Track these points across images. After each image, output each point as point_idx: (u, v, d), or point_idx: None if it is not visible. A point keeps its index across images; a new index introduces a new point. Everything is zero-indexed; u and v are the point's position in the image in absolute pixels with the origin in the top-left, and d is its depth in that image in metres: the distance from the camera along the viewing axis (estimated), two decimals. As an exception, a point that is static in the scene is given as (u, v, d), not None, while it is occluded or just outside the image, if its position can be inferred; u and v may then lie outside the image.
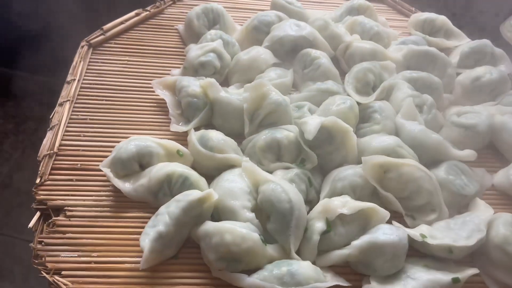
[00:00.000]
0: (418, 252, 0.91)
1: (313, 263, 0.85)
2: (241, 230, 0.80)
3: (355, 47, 1.23)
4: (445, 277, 0.83)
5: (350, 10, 1.39)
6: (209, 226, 0.82)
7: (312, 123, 0.93)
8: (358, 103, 1.09)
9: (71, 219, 0.90)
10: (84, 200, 0.93)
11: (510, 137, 1.07)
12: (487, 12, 1.75)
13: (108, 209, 0.92)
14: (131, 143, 0.94)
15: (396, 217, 0.94)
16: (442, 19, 1.37)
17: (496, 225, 0.90)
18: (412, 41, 1.29)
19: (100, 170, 0.95)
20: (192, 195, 0.85)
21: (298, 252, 0.86)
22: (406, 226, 0.92)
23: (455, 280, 0.82)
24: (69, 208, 0.91)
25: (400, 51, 1.25)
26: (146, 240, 0.81)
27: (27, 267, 1.73)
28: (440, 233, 0.89)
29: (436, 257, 0.89)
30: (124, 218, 0.91)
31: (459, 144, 1.07)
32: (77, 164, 0.98)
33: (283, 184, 0.87)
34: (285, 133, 0.98)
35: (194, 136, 0.97)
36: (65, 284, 0.81)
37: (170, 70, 1.20)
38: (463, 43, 1.33)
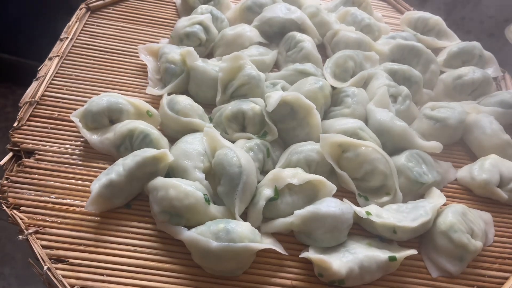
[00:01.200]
0: (365, 232, 0.92)
1: (258, 228, 0.88)
2: (186, 187, 0.84)
3: (341, 35, 1.25)
4: (382, 255, 0.84)
5: (345, 2, 1.41)
6: (158, 181, 0.86)
7: (274, 96, 0.96)
8: (333, 88, 1.12)
9: (40, 162, 0.95)
10: (55, 146, 0.98)
11: (481, 135, 1.07)
12: (496, 17, 1.72)
13: (74, 157, 0.97)
14: (103, 98, 0.99)
15: (350, 197, 0.95)
16: (436, 19, 1.37)
17: (446, 212, 0.91)
18: (402, 37, 1.29)
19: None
20: (148, 151, 0.89)
21: (244, 218, 0.89)
22: (359, 206, 0.93)
23: (392, 259, 0.84)
24: (40, 152, 0.97)
25: (387, 45, 1.26)
26: (97, 184, 0.85)
27: (29, 253, 1.82)
28: (387, 213, 0.90)
29: (382, 238, 0.90)
30: (87, 167, 0.96)
31: (429, 136, 1.07)
32: (55, 114, 1.04)
33: (236, 150, 0.90)
34: (252, 105, 1.01)
35: (165, 99, 1.02)
36: (21, 219, 0.87)
37: (159, 40, 1.25)
38: (453, 44, 1.32)
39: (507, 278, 0.88)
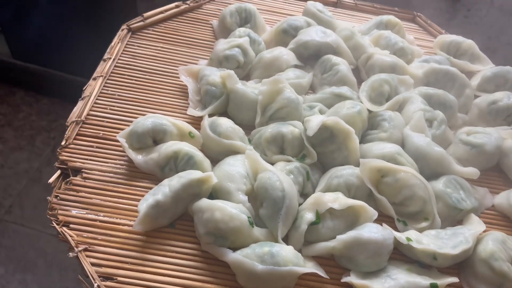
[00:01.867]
0: (404, 257, 0.93)
1: (300, 251, 0.90)
2: (231, 210, 0.86)
3: (376, 58, 1.27)
4: (424, 281, 0.85)
5: (378, 25, 1.43)
6: (203, 202, 0.89)
7: (315, 120, 0.99)
8: (370, 111, 1.14)
9: (86, 180, 0.99)
10: (100, 165, 1.02)
11: (517, 161, 1.08)
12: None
13: (120, 176, 1.00)
14: (148, 120, 1.03)
15: (389, 222, 0.97)
16: (469, 43, 1.38)
17: (486, 240, 0.91)
18: (435, 60, 1.31)
19: (119, 142, 1.03)
20: (194, 174, 0.92)
21: (286, 240, 0.91)
22: (397, 231, 0.94)
23: (433, 286, 0.84)
24: (86, 170, 1.00)
25: (421, 68, 1.28)
26: (144, 204, 0.88)
27: (50, 260, 1.83)
28: (427, 239, 0.91)
29: (421, 264, 0.91)
30: (132, 186, 0.99)
31: (465, 162, 1.08)
32: (100, 133, 1.08)
33: (279, 174, 0.93)
34: (291, 128, 1.03)
35: (206, 121, 1.05)
36: (70, 236, 0.89)
37: (198, 61, 1.29)
38: (486, 68, 1.34)
39: (547, 308, 0.89)
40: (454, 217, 0.98)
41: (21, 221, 1.93)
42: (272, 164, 1.00)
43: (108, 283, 0.84)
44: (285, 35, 1.33)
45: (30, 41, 2.14)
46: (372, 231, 0.88)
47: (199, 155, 0.98)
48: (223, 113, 1.14)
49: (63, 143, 1.04)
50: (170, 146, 0.98)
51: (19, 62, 2.25)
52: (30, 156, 2.18)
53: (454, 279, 0.86)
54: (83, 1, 1.93)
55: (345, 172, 0.98)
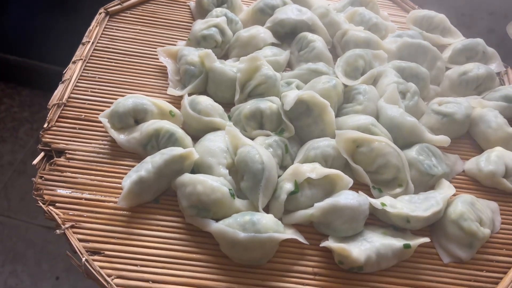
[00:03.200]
0: (380, 222, 0.98)
1: (280, 220, 0.93)
2: (212, 183, 0.89)
3: (350, 34, 1.30)
4: (398, 242, 0.90)
5: (353, 2, 1.46)
6: (185, 177, 0.92)
7: (291, 95, 1.02)
8: (345, 86, 1.17)
9: (70, 161, 1.01)
10: (83, 146, 1.04)
11: (486, 128, 1.13)
12: (496, 13, 1.78)
13: (103, 155, 1.03)
14: (129, 100, 1.05)
15: (365, 189, 1.01)
16: (441, 17, 1.42)
17: (455, 202, 0.96)
18: (408, 35, 1.35)
19: (101, 122, 1.05)
20: (175, 150, 0.95)
21: (267, 210, 0.95)
22: (373, 198, 0.99)
23: (406, 246, 0.89)
24: (70, 151, 1.02)
25: (395, 43, 1.32)
26: (128, 180, 0.91)
27: (39, 251, 1.83)
28: (401, 204, 0.95)
29: (396, 228, 0.96)
30: (116, 164, 1.01)
31: (437, 130, 1.13)
32: (82, 115, 1.09)
33: (258, 148, 0.96)
34: (269, 104, 1.06)
35: (186, 100, 1.07)
36: (57, 214, 0.92)
37: (176, 42, 1.30)
38: (457, 41, 1.38)
39: (513, 263, 0.94)
40: (426, 182, 1.03)
41: (8, 213, 1.93)
42: (252, 139, 1.04)
43: (96, 257, 0.87)
44: (261, 14, 1.35)
45: (7, 32, 2.12)
46: (348, 197, 0.92)
47: (180, 132, 1.00)
48: (203, 92, 1.16)
49: (45, 125, 1.06)
50: (152, 124, 1.01)
51: (-2, 54, 2.23)
52: (13, 148, 2.17)
53: (425, 239, 0.91)
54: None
55: (322, 144, 1.01)
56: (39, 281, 1.76)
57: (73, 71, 1.17)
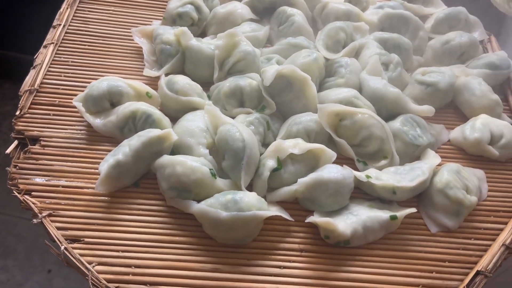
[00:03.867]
0: (366, 195, 0.96)
1: (264, 198, 0.91)
2: (192, 163, 0.87)
3: (330, 7, 1.27)
4: (384, 214, 0.89)
5: (332, -26, 1.42)
6: (164, 158, 0.89)
7: (270, 70, 0.99)
8: (326, 59, 1.14)
9: (46, 148, 0.97)
10: (59, 132, 1.00)
11: (470, 96, 1.11)
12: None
13: (79, 141, 0.99)
14: (103, 82, 1.01)
15: (350, 163, 0.99)
16: (422, -14, 1.40)
17: (441, 171, 0.95)
18: (389, 6, 1.32)
19: (76, 107, 1.02)
20: (153, 132, 0.92)
21: (250, 189, 0.93)
22: (358, 171, 0.97)
23: (393, 218, 0.88)
24: (44, 138, 0.99)
25: (376, 15, 1.29)
26: (105, 165, 0.88)
27: (30, 245, 1.79)
28: (386, 176, 0.94)
29: (382, 200, 0.95)
30: (93, 150, 0.98)
31: (421, 101, 1.11)
32: (56, 101, 1.06)
33: (238, 125, 0.93)
34: (249, 81, 1.03)
35: (163, 80, 1.04)
36: (33, 203, 0.89)
37: (151, 21, 1.26)
38: (439, 10, 1.35)
39: (501, 229, 0.93)
40: (412, 153, 1.01)
41: (-4, 208, 1.89)
42: (233, 117, 1.01)
43: (76, 245, 0.85)
44: (239, -10, 1.31)
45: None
46: (332, 171, 0.90)
47: (157, 113, 0.97)
48: (181, 71, 1.12)
49: (17, 113, 1.02)
50: (128, 107, 0.97)
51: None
52: (-3, 142, 2.12)
53: (412, 210, 0.89)
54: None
55: (304, 119, 0.99)
56: (30, 275, 1.73)
57: (44, 55, 1.12)
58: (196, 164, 0.87)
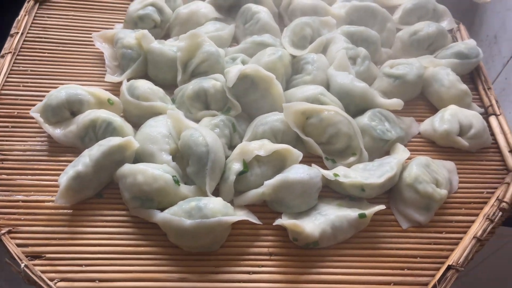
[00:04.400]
0: (335, 194, 0.95)
1: (231, 202, 0.89)
2: (153, 171, 0.85)
3: (296, 2, 1.24)
4: (353, 213, 0.87)
5: (298, -32, 1.39)
6: (125, 168, 0.86)
7: (233, 70, 0.97)
8: (293, 56, 1.12)
9: (4, 162, 0.94)
10: (18, 145, 0.97)
11: (439, 87, 1.10)
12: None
13: (40, 153, 0.96)
14: (62, 91, 0.98)
15: (319, 162, 0.97)
16: (390, -24, 1.37)
17: (410, 165, 0.94)
18: (357, -2, 1.30)
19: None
20: (113, 140, 0.89)
21: (217, 193, 0.91)
22: (327, 169, 0.95)
23: (361, 216, 0.87)
24: (3, 152, 0.96)
25: (343, 8, 1.27)
26: (64, 177, 0.85)
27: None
28: (355, 173, 0.92)
29: (352, 197, 0.93)
30: (54, 161, 0.95)
31: (390, 94, 1.09)
32: (14, 112, 1.02)
33: (202, 130, 0.91)
34: (213, 82, 1.01)
35: (124, 86, 1.01)
36: (-9, 221, 0.86)
37: (114, 25, 1.23)
38: (407, 0, 1.33)
39: (473, 221, 0.92)
40: (381, 148, 1.00)
41: None
42: (199, 120, 0.99)
43: (37, 262, 0.82)
44: (203, -12, 1.28)
45: None
46: (298, 172, 0.88)
47: (117, 120, 0.94)
48: (144, 75, 1.10)
49: (-26, 127, 0.99)
50: (87, 115, 0.95)
51: None
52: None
53: (381, 207, 0.88)
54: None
55: (270, 119, 0.97)
56: (18, 286, 1.68)
57: (1, 65, 1.09)
58: (157, 172, 0.85)
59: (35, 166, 0.94)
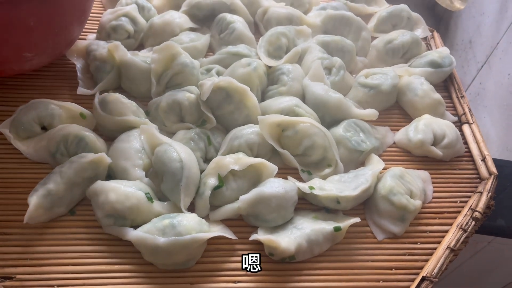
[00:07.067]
0: (311, 206, 0.95)
1: (207, 217, 0.89)
2: (125, 189, 0.83)
3: (271, 11, 1.24)
4: (328, 226, 0.87)
5: (274, -23, 1.39)
6: (97, 185, 0.85)
7: (207, 83, 0.96)
8: (268, 67, 1.12)
9: (-29, 181, 0.92)
10: (-14, 162, 0.95)
11: (413, 97, 1.11)
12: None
13: (9, 170, 0.94)
14: (32, 106, 0.96)
15: (295, 174, 0.97)
16: (365, -16, 1.39)
17: (385, 177, 0.94)
18: (332, 7, 1.30)
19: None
20: (85, 157, 0.88)
21: (192, 208, 0.90)
22: (303, 181, 0.95)
23: (337, 229, 0.87)
24: (-29, 170, 0.93)
25: (319, 16, 1.27)
26: (34, 195, 0.83)
27: None
28: (330, 185, 0.92)
29: (328, 210, 0.93)
30: (25, 178, 0.93)
31: (365, 104, 1.10)
32: (-19, 128, 1.00)
33: (175, 145, 0.90)
34: (187, 94, 1.00)
35: (96, 99, 0.99)
36: (-40, 244, 0.84)
37: (87, 35, 1.21)
38: (382, 8, 1.35)
39: (446, 231, 0.93)
40: (356, 159, 1.00)
41: None
42: (173, 133, 0.97)
43: (8, 283, 0.80)
44: (177, -2, 1.27)
45: None
46: (273, 186, 0.88)
47: (90, 136, 0.93)
48: (118, 87, 1.08)
49: None
50: (59, 130, 0.93)
51: None
52: None
53: (356, 220, 0.88)
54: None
55: (245, 132, 0.96)
56: None
57: (-31, 80, 1.06)
58: (130, 189, 0.83)
59: (5, 185, 0.92)
